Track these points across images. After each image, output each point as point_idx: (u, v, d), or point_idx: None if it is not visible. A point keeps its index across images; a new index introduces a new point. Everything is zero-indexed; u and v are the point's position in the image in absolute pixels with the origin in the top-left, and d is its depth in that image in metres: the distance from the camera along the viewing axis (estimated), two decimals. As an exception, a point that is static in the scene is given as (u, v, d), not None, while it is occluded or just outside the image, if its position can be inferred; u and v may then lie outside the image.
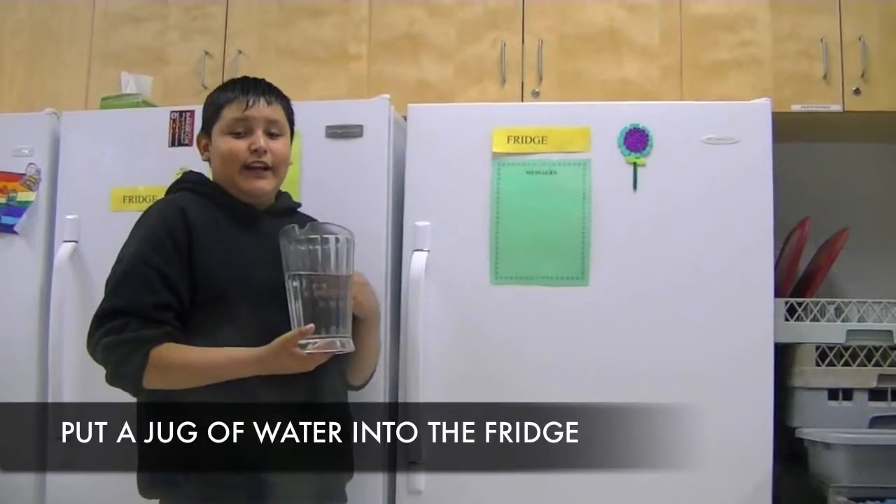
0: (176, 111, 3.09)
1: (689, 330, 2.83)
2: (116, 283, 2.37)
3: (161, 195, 2.92)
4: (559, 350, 2.87)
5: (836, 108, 3.34)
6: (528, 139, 2.95)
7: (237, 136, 2.50)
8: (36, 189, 3.13)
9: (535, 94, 3.46)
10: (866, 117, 3.39)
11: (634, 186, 2.89)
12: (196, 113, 3.03)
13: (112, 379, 2.36)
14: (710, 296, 2.83)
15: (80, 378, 2.97)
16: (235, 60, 3.61)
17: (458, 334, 2.90)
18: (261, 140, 2.50)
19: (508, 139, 2.95)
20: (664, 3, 3.48)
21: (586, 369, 2.84)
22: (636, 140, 2.90)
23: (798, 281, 3.37)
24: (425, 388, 2.82)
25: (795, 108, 3.34)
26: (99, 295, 2.96)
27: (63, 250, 3.02)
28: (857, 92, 3.33)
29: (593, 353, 2.85)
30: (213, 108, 2.55)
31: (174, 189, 2.59)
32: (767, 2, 3.43)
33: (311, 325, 2.26)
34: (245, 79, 2.60)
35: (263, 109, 2.53)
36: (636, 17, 3.48)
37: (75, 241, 3.04)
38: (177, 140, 3.06)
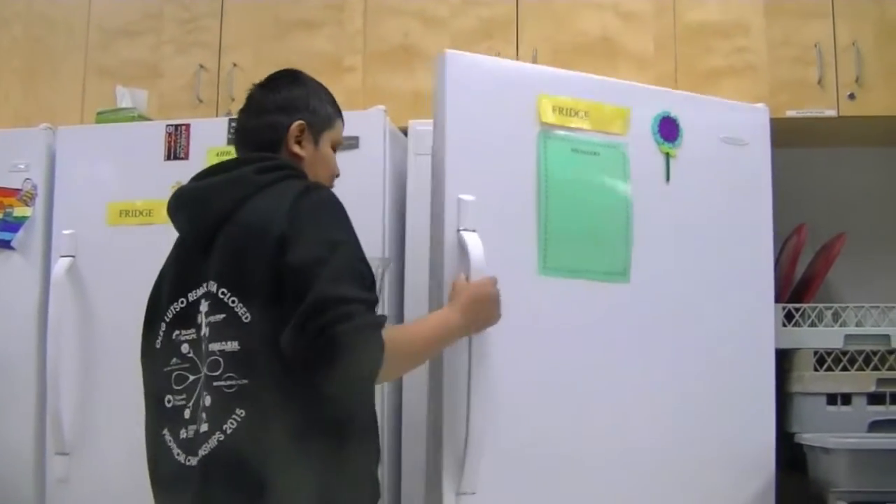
0: (171, 125, 3.09)
1: (695, 334, 2.74)
2: (338, 271, 2.05)
3: (158, 209, 2.93)
4: (595, 349, 2.62)
5: (831, 113, 3.35)
6: (573, 112, 2.66)
7: (333, 152, 2.43)
8: (32, 204, 3.13)
9: (531, 104, 3.46)
10: (861, 122, 3.39)
11: (667, 178, 2.76)
12: (192, 126, 3.05)
13: (351, 366, 2.00)
14: (713, 301, 2.76)
15: (78, 393, 2.99)
16: (230, 74, 3.62)
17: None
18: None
19: (554, 109, 2.64)
20: (658, 11, 3.49)
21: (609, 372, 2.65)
22: (669, 129, 2.76)
23: (795, 286, 3.37)
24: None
25: (791, 113, 3.35)
26: (98, 309, 3.00)
27: (60, 265, 3.01)
28: (851, 97, 3.33)
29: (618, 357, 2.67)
30: (331, 112, 2.41)
31: (283, 170, 2.27)
32: (762, 8, 3.45)
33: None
34: None
35: None
36: (630, 26, 3.49)
37: (72, 256, 3.04)
38: (172, 154, 3.05)
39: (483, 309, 2.31)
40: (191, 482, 2.09)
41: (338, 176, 2.46)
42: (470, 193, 2.48)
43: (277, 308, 2.05)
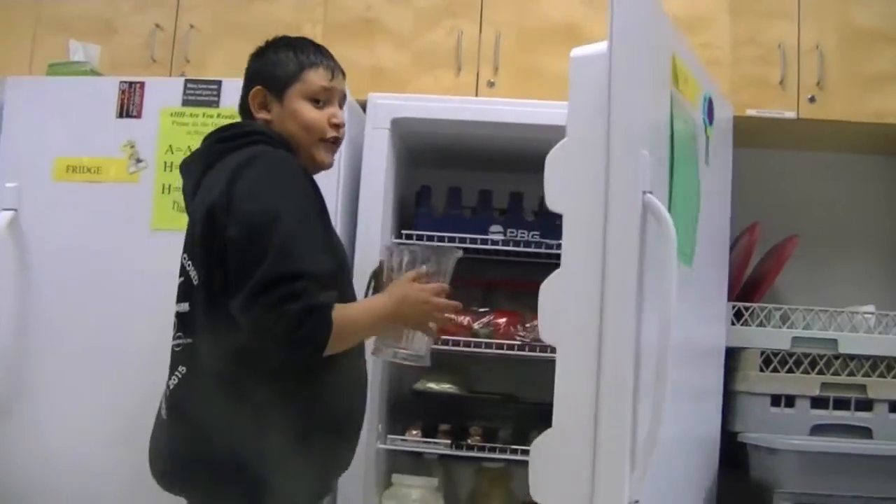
0: (126, 81, 3.02)
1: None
2: (285, 243, 2.08)
3: (106, 166, 2.90)
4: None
5: (791, 114, 3.34)
6: (685, 79, 2.39)
7: (316, 104, 2.39)
8: (-24, 155, 3.05)
9: (491, 85, 3.42)
10: (820, 125, 3.39)
11: (707, 161, 2.63)
12: (147, 84, 3.00)
13: (299, 344, 2.06)
14: (691, 299, 2.59)
15: (14, 352, 2.92)
16: (187, 35, 3.54)
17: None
18: (341, 114, 2.44)
19: (678, 73, 2.33)
20: (624, 1, 3.46)
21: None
22: (710, 111, 2.66)
23: (744, 285, 3.37)
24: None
25: (750, 112, 3.33)
26: (39, 265, 2.93)
27: (1, 218, 2.94)
28: (812, 100, 3.33)
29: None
30: (292, 68, 2.39)
31: (245, 137, 2.33)
32: (727, 5, 3.43)
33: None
34: (317, 44, 2.49)
35: (342, 82, 2.47)
36: (595, 13, 3.45)
37: (14, 210, 2.96)
38: (125, 111, 2.99)
39: (412, 310, 2.32)
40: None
41: (338, 125, 2.42)
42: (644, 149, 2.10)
43: (218, 274, 2.15)
